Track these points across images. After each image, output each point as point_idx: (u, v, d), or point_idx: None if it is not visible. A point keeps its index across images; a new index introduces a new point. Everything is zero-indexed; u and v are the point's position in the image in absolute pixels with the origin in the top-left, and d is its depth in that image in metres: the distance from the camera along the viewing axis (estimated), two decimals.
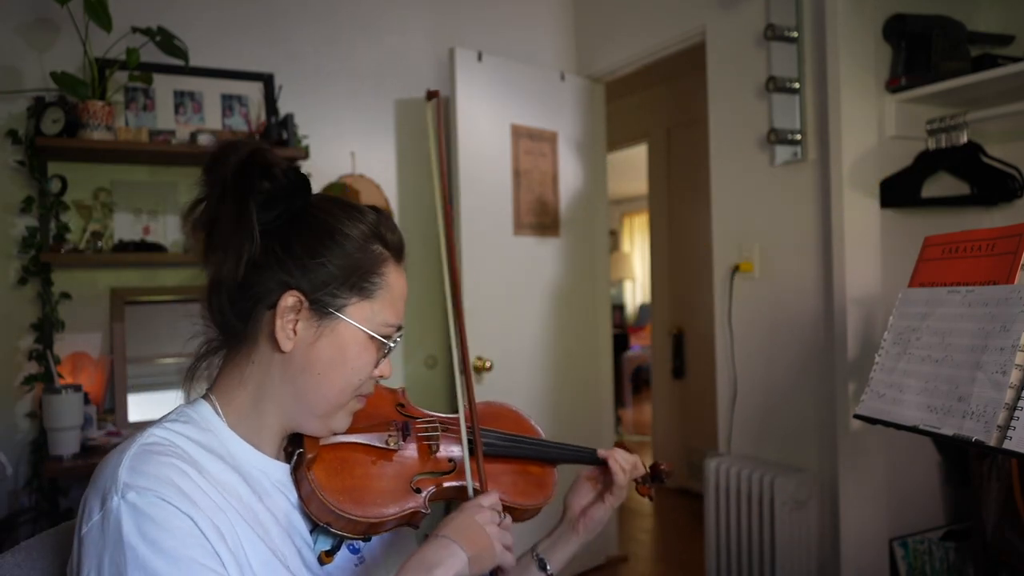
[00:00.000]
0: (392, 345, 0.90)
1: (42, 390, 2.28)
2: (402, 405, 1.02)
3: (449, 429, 1.00)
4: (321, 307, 0.84)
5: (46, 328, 2.39)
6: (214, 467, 0.81)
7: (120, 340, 2.53)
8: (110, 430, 2.40)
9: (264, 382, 0.86)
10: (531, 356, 3.11)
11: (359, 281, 0.86)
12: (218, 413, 0.86)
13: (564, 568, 1.10)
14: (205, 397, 0.88)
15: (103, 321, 2.54)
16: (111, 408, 2.51)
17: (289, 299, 0.83)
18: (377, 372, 0.90)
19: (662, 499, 4.56)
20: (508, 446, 1.05)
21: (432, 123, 0.95)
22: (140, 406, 2.52)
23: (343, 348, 0.86)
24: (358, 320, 0.86)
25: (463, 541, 0.84)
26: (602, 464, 1.13)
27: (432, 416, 1.03)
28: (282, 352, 0.84)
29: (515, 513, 1.02)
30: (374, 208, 0.92)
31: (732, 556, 2.41)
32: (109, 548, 0.71)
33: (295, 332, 0.84)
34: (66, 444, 2.21)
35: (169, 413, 0.86)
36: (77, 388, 2.25)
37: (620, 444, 1.18)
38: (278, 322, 0.83)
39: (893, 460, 2.26)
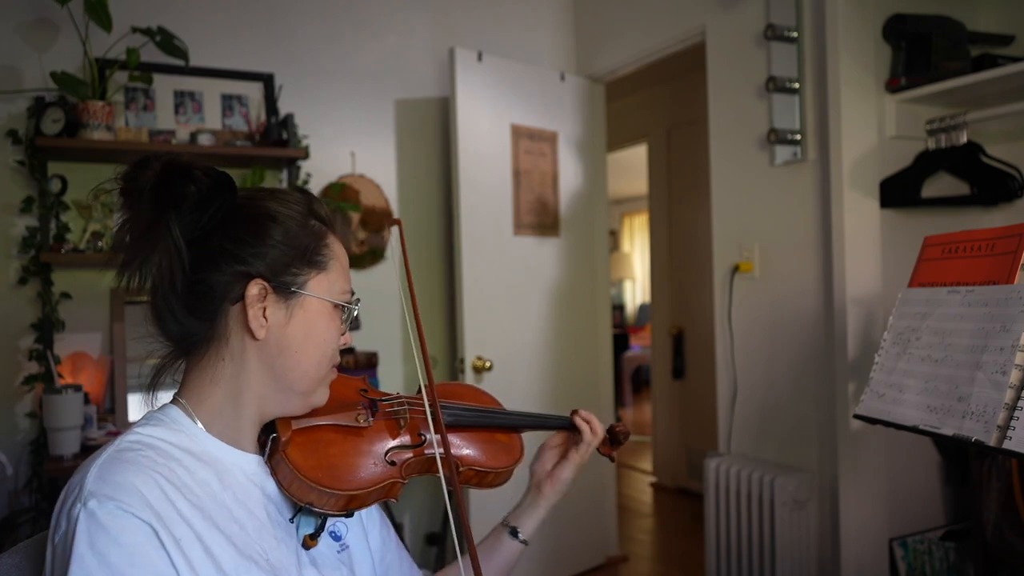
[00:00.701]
0: (356, 310, 0.93)
1: (42, 390, 2.28)
2: (365, 390, 1.06)
3: (415, 407, 1.05)
4: (285, 288, 0.86)
5: (46, 328, 2.39)
6: (189, 465, 0.82)
7: (120, 340, 2.53)
8: (110, 430, 2.40)
9: (239, 375, 0.87)
10: (531, 356, 3.11)
11: (311, 255, 0.88)
12: (190, 415, 0.86)
13: (535, 533, 1.14)
14: (174, 401, 0.88)
15: (103, 321, 2.54)
16: (111, 408, 2.51)
17: (254, 288, 0.85)
18: (342, 340, 0.93)
19: (662, 499, 4.56)
20: (473, 416, 1.11)
21: (397, 248, 0.99)
22: (140, 406, 2.52)
23: (313, 322, 0.88)
24: (321, 292, 0.89)
25: None
26: (567, 427, 1.21)
27: (396, 395, 1.07)
28: (256, 340, 0.86)
29: (488, 476, 1.08)
30: (299, 189, 0.95)
31: (732, 556, 2.41)
32: (67, 555, 0.71)
33: (266, 318, 0.86)
34: (66, 444, 2.21)
35: (139, 420, 0.87)
36: (77, 388, 2.25)
37: (575, 411, 1.23)
38: (249, 312, 0.84)
39: (893, 460, 2.26)
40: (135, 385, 2.53)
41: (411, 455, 0.99)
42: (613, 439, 1.26)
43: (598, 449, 1.22)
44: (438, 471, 0.97)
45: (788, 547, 2.26)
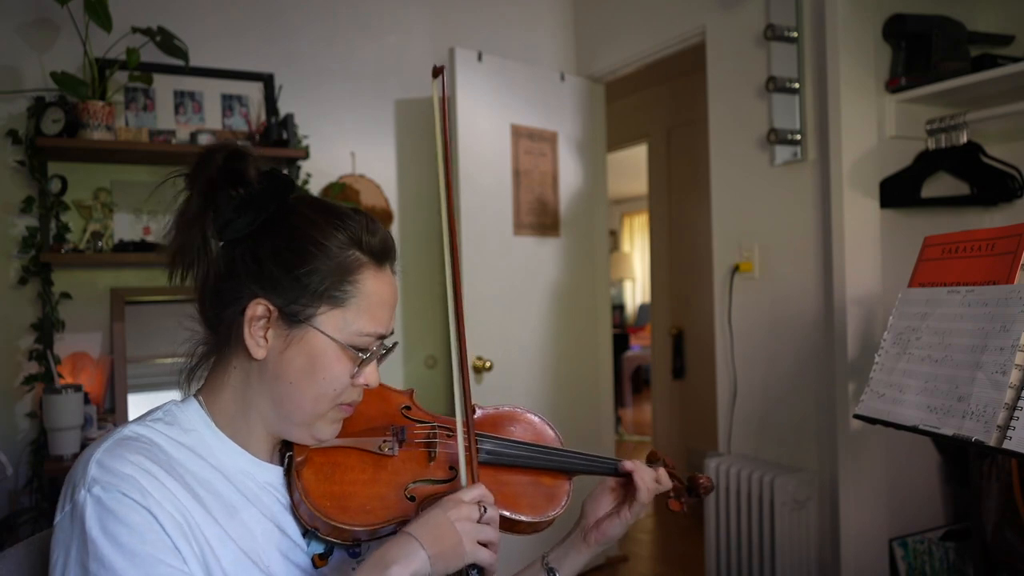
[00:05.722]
0: (368, 354, 0.86)
1: (42, 390, 2.28)
2: (408, 408, 0.99)
3: (453, 435, 0.95)
4: (290, 316, 0.83)
5: (46, 328, 2.39)
6: (193, 465, 0.82)
7: (120, 340, 2.53)
8: (110, 430, 2.39)
9: (245, 387, 0.86)
10: (531, 356, 3.11)
11: (329, 290, 0.83)
12: (206, 413, 0.87)
13: None
14: (196, 396, 0.89)
15: (103, 321, 2.54)
16: (111, 408, 2.51)
17: (257, 308, 0.83)
18: (361, 380, 0.87)
19: (662, 499, 4.55)
20: (517, 455, 0.99)
21: (438, 100, 0.93)
22: (140, 406, 2.52)
23: (314, 358, 0.83)
24: (329, 330, 0.83)
25: (425, 538, 0.78)
26: (624, 476, 1.06)
27: (433, 420, 0.98)
28: (256, 359, 0.85)
29: (520, 526, 0.96)
30: (356, 210, 0.88)
31: (732, 556, 2.41)
32: (75, 539, 0.74)
33: (266, 340, 0.84)
34: (66, 444, 2.21)
35: (155, 410, 0.87)
36: (77, 388, 2.25)
37: (652, 455, 1.10)
38: (246, 330, 0.83)
39: (893, 460, 2.26)
40: (135, 385, 2.53)
41: (434, 492, 0.89)
42: (692, 491, 1.09)
43: (667, 503, 1.09)
44: None
45: (788, 547, 2.26)
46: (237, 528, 0.81)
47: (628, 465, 1.05)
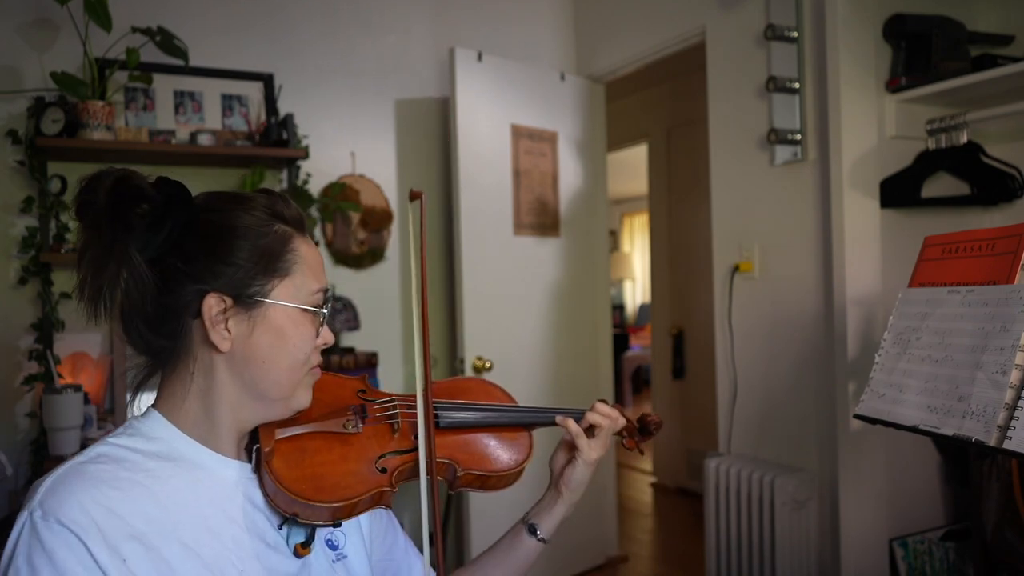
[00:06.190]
0: (326, 311, 0.90)
1: (42, 390, 2.28)
2: (363, 391, 1.02)
3: (412, 408, 0.99)
4: (246, 299, 0.84)
5: (46, 328, 2.39)
6: (161, 473, 0.81)
7: (120, 340, 2.52)
8: (110, 430, 2.39)
9: (211, 388, 0.86)
10: (531, 356, 3.11)
11: (273, 263, 0.85)
12: (169, 422, 0.86)
13: (555, 531, 1.10)
14: (153, 407, 0.88)
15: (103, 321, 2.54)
16: (111, 408, 2.51)
17: (212, 301, 0.83)
18: (320, 341, 0.90)
19: (662, 499, 4.56)
20: (476, 416, 1.05)
21: (414, 223, 0.95)
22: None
23: (280, 330, 0.86)
24: (286, 299, 0.86)
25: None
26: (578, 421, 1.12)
27: (392, 396, 1.02)
28: (221, 353, 0.84)
29: (491, 480, 1.02)
30: (264, 191, 0.91)
31: (732, 556, 2.41)
32: (7, 562, 0.74)
33: (228, 331, 0.84)
34: (66, 444, 2.21)
35: (117, 428, 0.87)
36: (77, 388, 2.25)
37: (600, 400, 1.14)
38: (209, 326, 0.83)
39: (893, 460, 2.26)
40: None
41: (403, 461, 0.94)
42: (643, 429, 1.16)
43: (622, 442, 1.15)
44: (429, 478, 0.91)
45: (788, 547, 2.26)
46: (203, 537, 0.81)
47: (588, 415, 1.10)
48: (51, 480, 0.77)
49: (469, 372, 2.87)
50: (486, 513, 2.85)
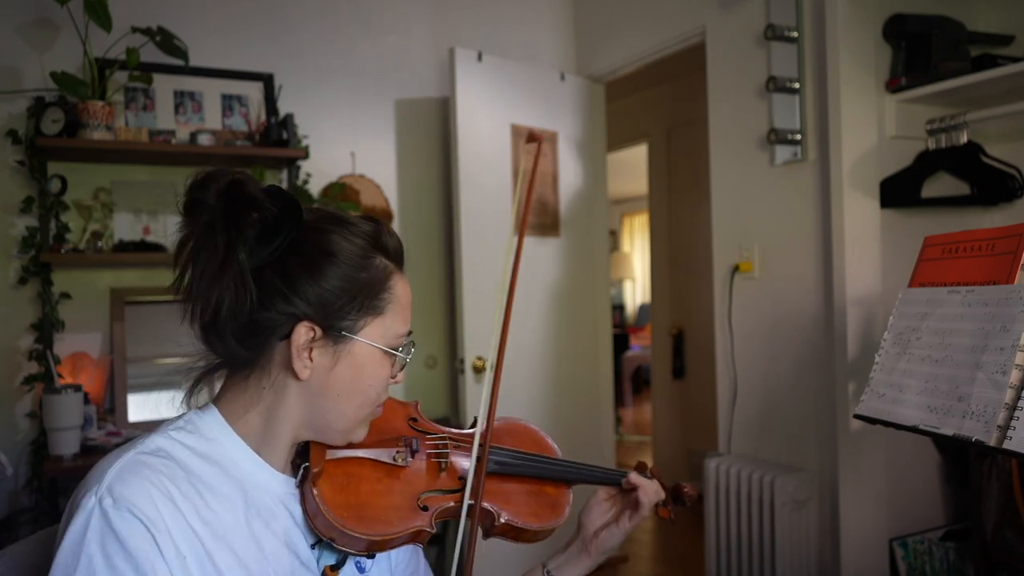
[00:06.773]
0: (408, 358, 0.89)
1: (42, 390, 2.28)
2: (414, 419, 1.00)
3: (460, 446, 0.98)
4: (335, 332, 0.83)
5: (46, 328, 2.39)
6: (213, 479, 0.80)
7: (120, 340, 2.53)
8: (110, 430, 2.39)
9: (278, 407, 0.85)
10: (531, 356, 3.11)
11: (369, 299, 0.84)
12: (228, 425, 0.85)
13: None
14: (214, 403, 0.87)
15: (103, 321, 2.54)
16: (111, 408, 2.51)
17: (303, 330, 0.81)
18: (393, 381, 0.90)
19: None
20: (522, 464, 1.03)
21: (524, 174, 0.94)
22: (140, 406, 2.52)
23: (361, 368, 0.85)
24: (373, 339, 0.85)
25: None
26: (622, 487, 1.10)
27: (444, 432, 1.00)
28: (298, 379, 0.83)
29: (525, 534, 1.00)
30: (368, 217, 0.89)
31: (732, 556, 2.41)
32: (77, 546, 0.72)
33: (311, 360, 0.83)
34: (66, 444, 2.21)
35: (176, 419, 0.85)
36: (77, 388, 2.25)
37: (640, 465, 1.12)
38: (294, 353, 0.82)
39: (893, 460, 2.26)
40: (135, 385, 2.53)
41: (446, 503, 0.92)
42: (676, 499, 1.14)
43: (656, 511, 1.12)
44: (469, 523, 0.90)
45: (788, 547, 2.26)
46: (249, 548, 0.80)
47: (634, 479, 1.08)
48: (117, 467, 0.75)
49: (468, 372, 2.87)
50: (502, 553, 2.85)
